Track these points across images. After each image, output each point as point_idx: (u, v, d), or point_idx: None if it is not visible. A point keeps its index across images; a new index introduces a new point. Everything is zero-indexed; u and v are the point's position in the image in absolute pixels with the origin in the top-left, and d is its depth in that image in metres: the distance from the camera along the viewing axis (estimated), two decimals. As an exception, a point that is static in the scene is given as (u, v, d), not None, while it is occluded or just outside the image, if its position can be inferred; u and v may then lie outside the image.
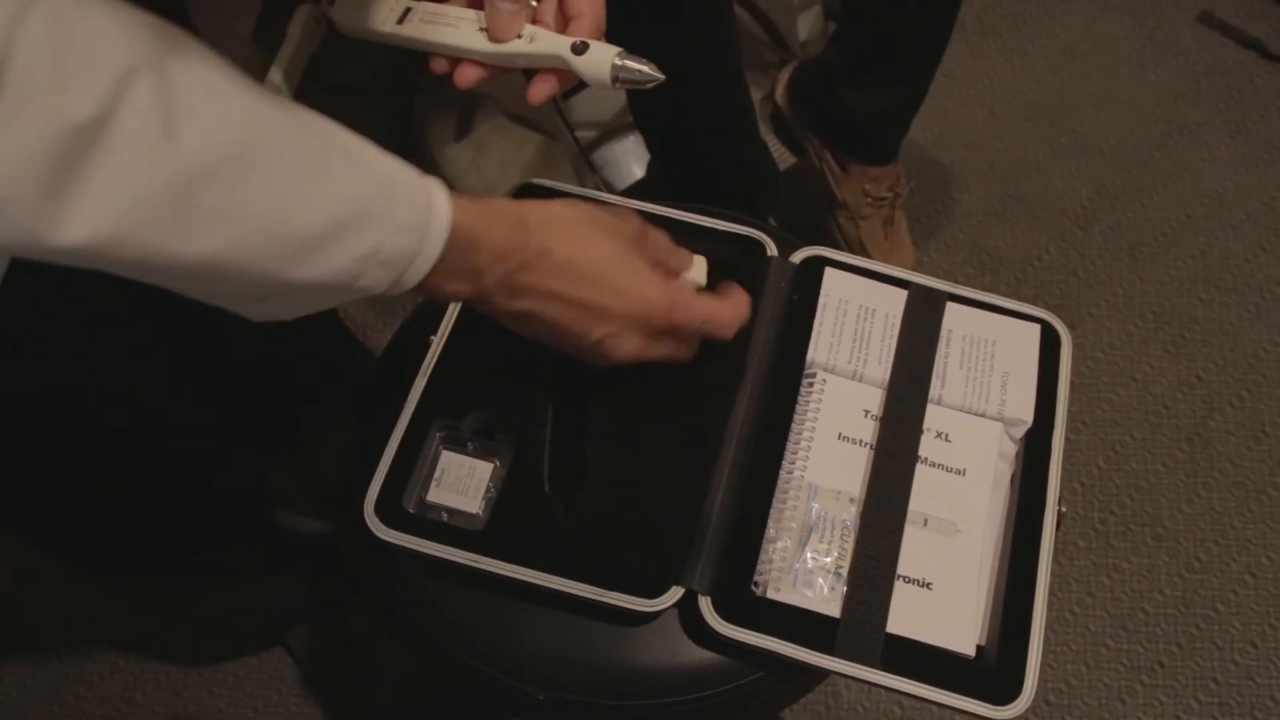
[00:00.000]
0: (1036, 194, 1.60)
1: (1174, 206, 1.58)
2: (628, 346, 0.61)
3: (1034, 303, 0.74)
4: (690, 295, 0.64)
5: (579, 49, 0.60)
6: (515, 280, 0.56)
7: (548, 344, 0.61)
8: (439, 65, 0.64)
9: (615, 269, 0.59)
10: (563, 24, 0.64)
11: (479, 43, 0.61)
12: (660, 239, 0.65)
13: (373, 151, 0.50)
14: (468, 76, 0.64)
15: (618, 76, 0.60)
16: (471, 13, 0.62)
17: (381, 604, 1.21)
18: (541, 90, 0.64)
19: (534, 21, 0.63)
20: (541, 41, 0.60)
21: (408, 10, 0.62)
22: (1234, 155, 1.62)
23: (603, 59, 0.60)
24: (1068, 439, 0.70)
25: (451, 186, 0.70)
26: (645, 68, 0.60)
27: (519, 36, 0.61)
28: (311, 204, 0.46)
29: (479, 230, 0.54)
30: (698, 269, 0.67)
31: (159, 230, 0.42)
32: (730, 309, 0.66)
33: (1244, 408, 1.41)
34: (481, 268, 0.55)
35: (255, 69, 1.66)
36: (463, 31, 0.61)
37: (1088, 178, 1.61)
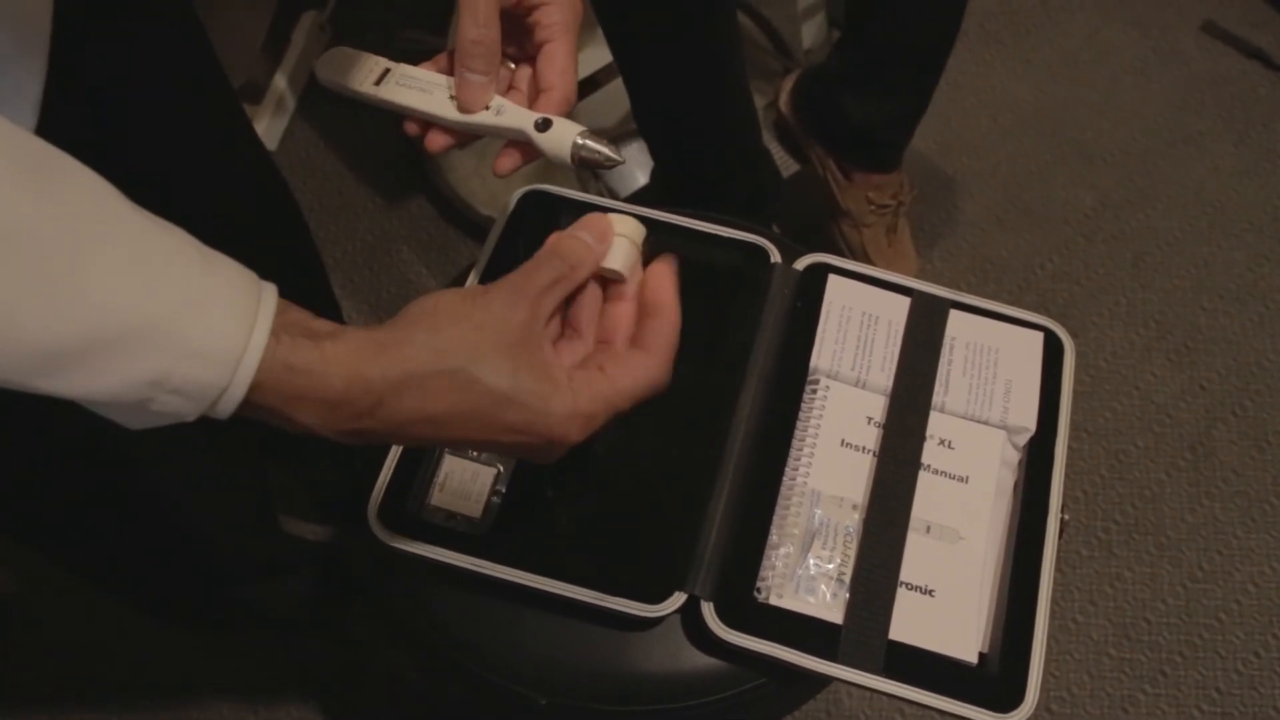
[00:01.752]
0: (1040, 202, 1.60)
1: (1177, 216, 1.58)
2: (553, 455, 0.51)
3: (1037, 311, 0.74)
4: (602, 392, 0.51)
5: (542, 126, 0.60)
6: (383, 422, 0.47)
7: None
8: (411, 128, 0.64)
9: (500, 408, 0.48)
10: (535, 94, 0.63)
11: (448, 111, 0.61)
12: (551, 283, 0.51)
13: (180, 256, 0.42)
14: (436, 143, 0.63)
15: (578, 155, 0.60)
16: (444, 79, 0.63)
17: (384, 609, 1.22)
18: (506, 164, 0.62)
19: (509, 88, 0.64)
20: (507, 115, 0.61)
21: (386, 71, 0.64)
22: (1237, 165, 1.63)
23: (564, 137, 0.60)
24: (1070, 447, 0.70)
25: (454, 195, 0.69)
26: (605, 149, 0.60)
27: (487, 108, 0.62)
28: (59, 314, 0.38)
29: (304, 389, 0.44)
30: (618, 251, 0.54)
31: None
32: (657, 365, 0.54)
33: (1247, 417, 1.41)
34: (314, 426, 0.46)
35: (261, 75, 1.67)
36: (435, 98, 0.62)
37: (1091, 186, 1.61)
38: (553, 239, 0.53)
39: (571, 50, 0.62)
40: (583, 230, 0.54)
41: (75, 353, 0.39)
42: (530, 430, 0.49)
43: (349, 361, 0.45)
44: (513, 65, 0.64)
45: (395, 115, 0.64)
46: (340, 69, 0.64)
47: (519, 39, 0.63)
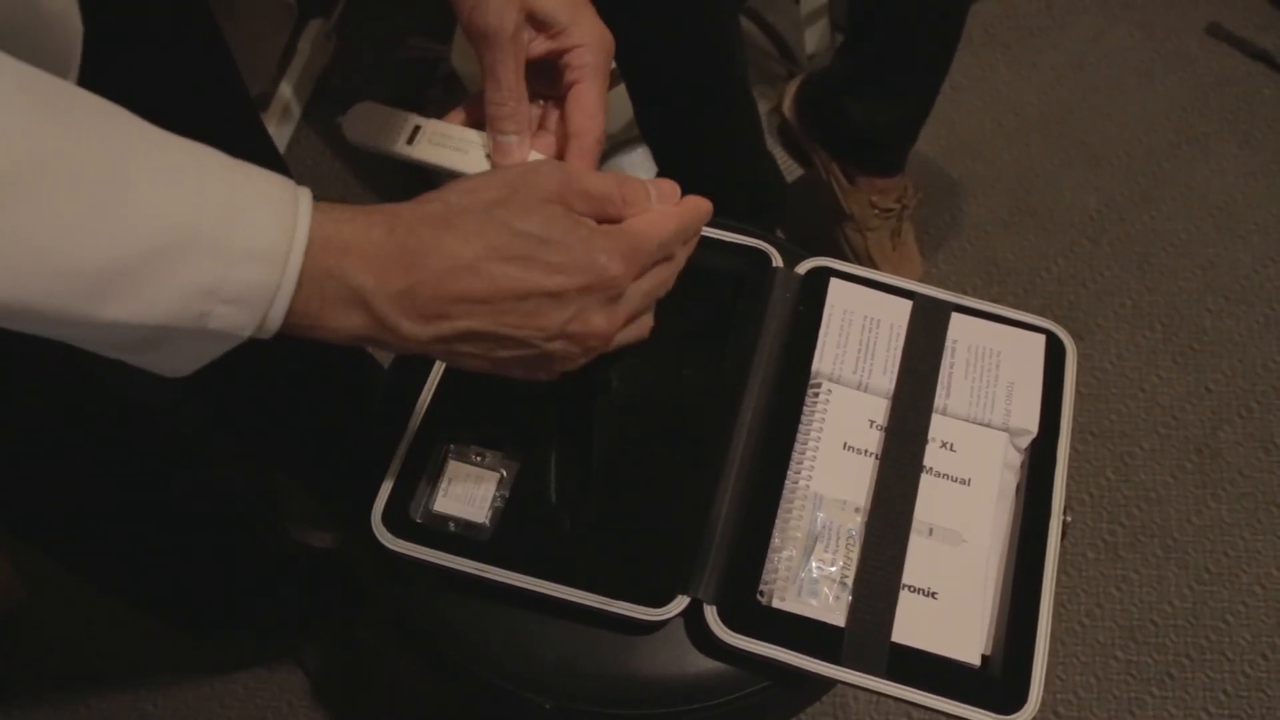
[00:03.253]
0: (1045, 205, 1.60)
1: (1183, 217, 1.58)
2: (600, 322, 0.50)
3: (1042, 314, 0.75)
4: (636, 228, 0.52)
5: None
6: (430, 278, 0.46)
7: (520, 374, 0.52)
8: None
9: (536, 248, 0.48)
10: (563, 135, 0.61)
11: (485, 167, 0.61)
12: (597, 193, 0.52)
13: (216, 164, 0.43)
14: None
15: None
16: (478, 136, 0.61)
17: (389, 614, 1.22)
18: None
19: (539, 127, 0.63)
20: None
21: (417, 128, 0.62)
22: (1243, 166, 1.62)
23: None
24: (1075, 450, 0.70)
25: None
26: None
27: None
28: (106, 230, 0.39)
29: (350, 241, 0.45)
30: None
31: None
32: (691, 211, 0.55)
33: (1253, 419, 1.41)
34: (365, 289, 0.45)
35: (268, 83, 1.68)
36: (470, 157, 0.61)
37: (1096, 189, 1.61)
38: (621, 176, 0.53)
39: (601, 93, 0.61)
40: (655, 186, 0.55)
41: (129, 270, 0.39)
42: (575, 267, 0.48)
43: (386, 214, 0.46)
44: (541, 103, 0.63)
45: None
46: (369, 128, 0.63)
47: (549, 78, 0.62)
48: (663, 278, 0.54)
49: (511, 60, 0.58)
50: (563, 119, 0.61)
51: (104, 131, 0.40)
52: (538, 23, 0.59)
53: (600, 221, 0.52)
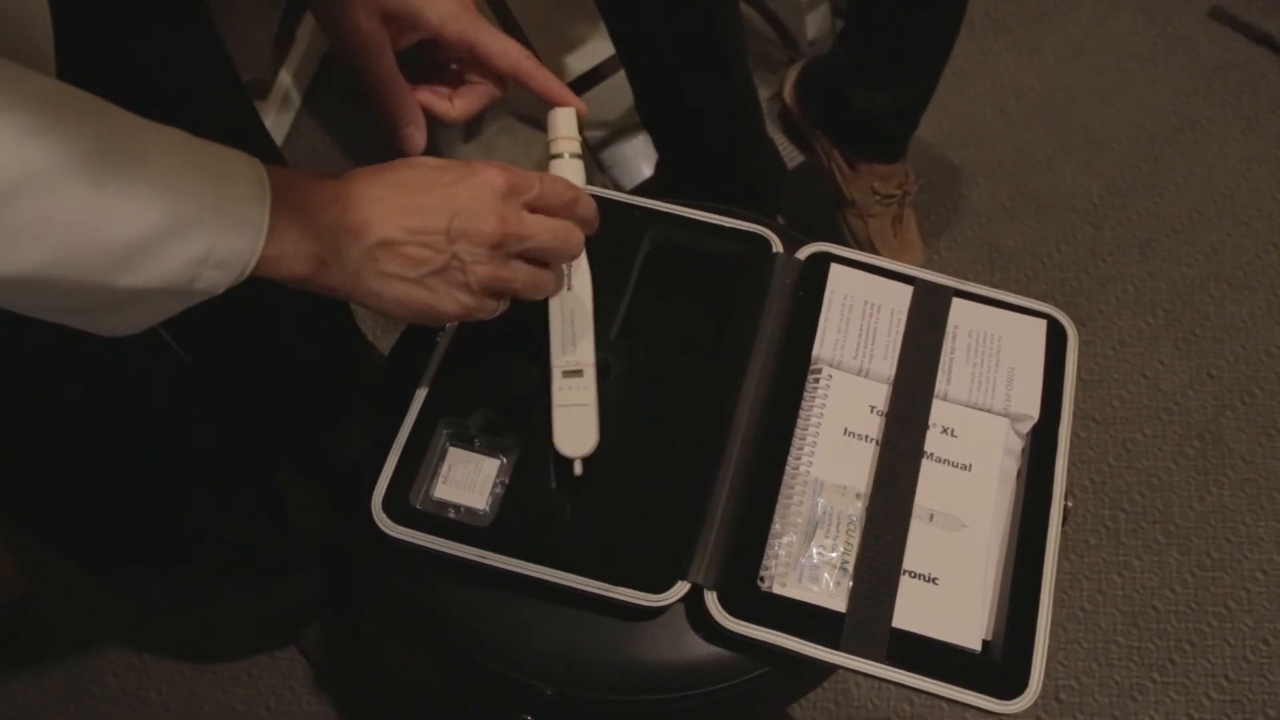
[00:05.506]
0: (1046, 191, 1.59)
1: (1185, 203, 1.57)
2: (491, 220, 0.57)
3: (1044, 300, 0.74)
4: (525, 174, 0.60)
5: None
6: (360, 205, 0.55)
7: (447, 299, 0.58)
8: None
9: (439, 170, 0.57)
10: (499, 78, 0.69)
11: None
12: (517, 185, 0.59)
13: (204, 151, 0.50)
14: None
15: None
16: None
17: (390, 601, 1.22)
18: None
19: (464, 84, 0.70)
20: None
21: None
22: (1245, 151, 1.62)
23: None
24: (1077, 435, 0.70)
25: None
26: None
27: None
28: (126, 214, 0.46)
29: (310, 214, 0.53)
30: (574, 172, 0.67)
31: None
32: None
33: (1255, 404, 1.41)
34: (317, 210, 0.54)
35: (267, 71, 1.67)
36: None
37: (1098, 174, 1.61)
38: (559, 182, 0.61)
39: (494, 35, 0.66)
40: (581, 205, 0.62)
41: (147, 245, 0.47)
42: (467, 178, 0.57)
43: (328, 175, 0.56)
44: (454, 68, 0.70)
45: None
46: None
47: (434, 59, 0.69)
48: (553, 232, 0.60)
49: (387, 61, 0.66)
50: (482, 70, 0.68)
51: (119, 127, 0.47)
52: (394, 15, 0.65)
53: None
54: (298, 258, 0.53)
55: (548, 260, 0.61)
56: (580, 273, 0.69)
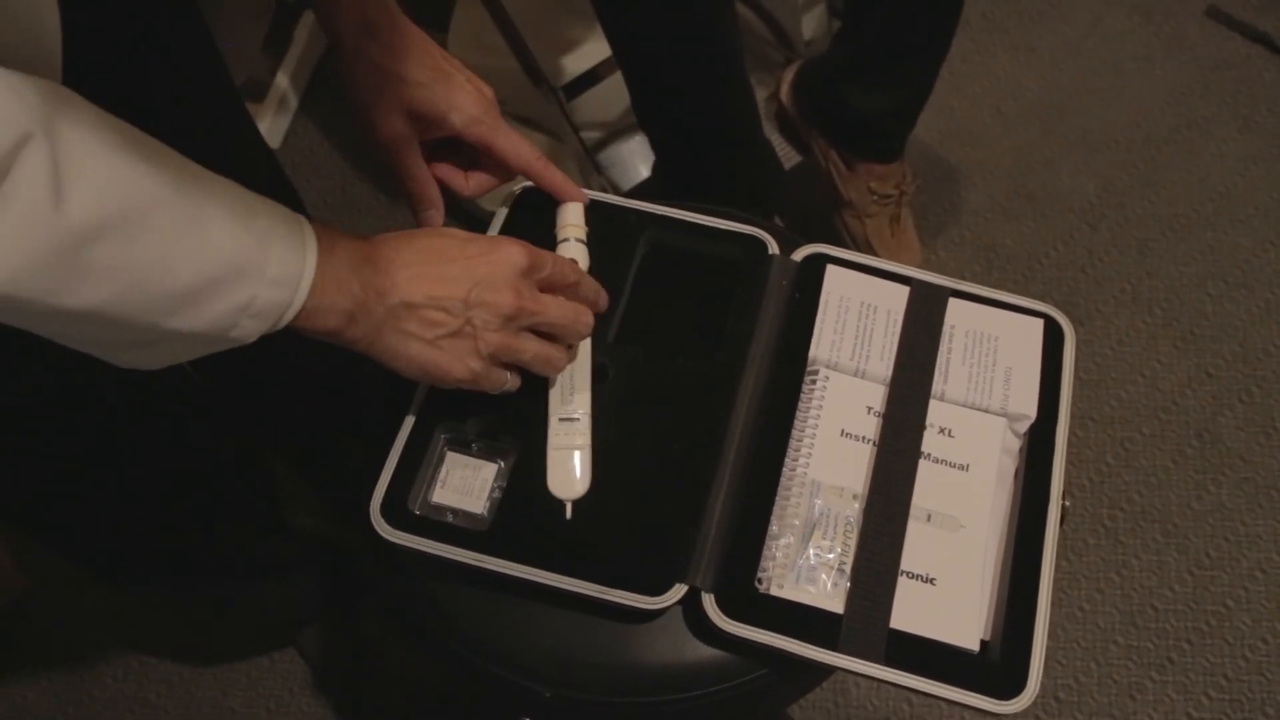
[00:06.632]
0: (1044, 191, 1.60)
1: (1182, 202, 1.58)
2: (508, 294, 0.61)
3: (1042, 299, 0.74)
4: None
5: None
6: (387, 266, 0.58)
7: (456, 364, 0.61)
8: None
9: (463, 243, 0.62)
10: (504, 167, 0.74)
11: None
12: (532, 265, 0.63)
13: (254, 204, 0.53)
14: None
15: None
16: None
17: (389, 604, 1.22)
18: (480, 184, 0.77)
19: (476, 169, 0.76)
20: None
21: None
22: (1243, 150, 1.62)
23: None
24: (1075, 435, 0.70)
25: None
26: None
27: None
28: (192, 259, 0.48)
29: (344, 274, 0.56)
30: (579, 254, 0.73)
31: (45, 287, 0.45)
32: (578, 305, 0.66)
33: (1253, 403, 1.41)
34: (350, 270, 0.57)
35: (263, 73, 1.67)
36: None
37: (1095, 174, 1.61)
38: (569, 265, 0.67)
39: (508, 135, 0.72)
40: (584, 286, 0.67)
41: (200, 291, 0.49)
42: (490, 253, 0.61)
43: (363, 237, 0.60)
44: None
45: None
46: None
47: (458, 145, 0.74)
48: (564, 310, 0.64)
49: (414, 155, 0.72)
50: (493, 162, 0.74)
51: (181, 176, 0.49)
52: (421, 116, 0.71)
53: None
54: (331, 312, 0.56)
55: (558, 337, 0.65)
56: None
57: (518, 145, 0.73)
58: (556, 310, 0.63)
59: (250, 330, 0.52)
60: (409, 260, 0.59)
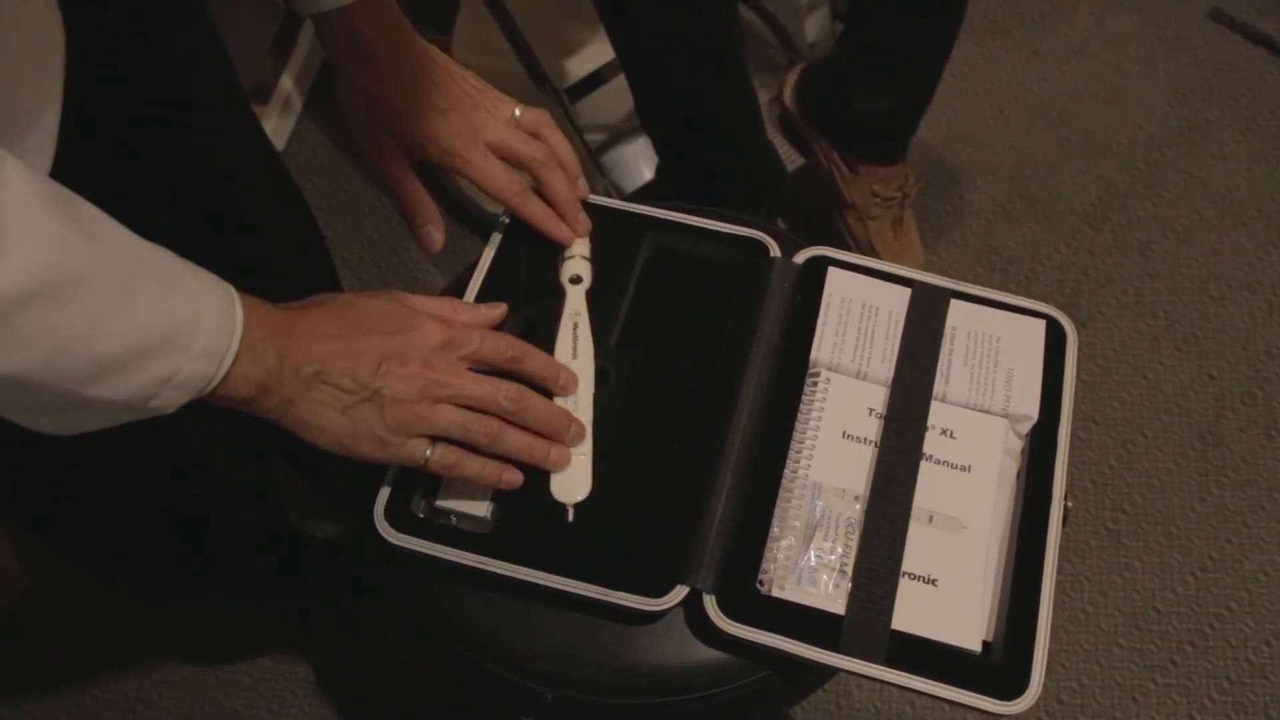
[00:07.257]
0: (1046, 193, 1.60)
1: (1185, 204, 1.58)
2: (407, 374, 0.60)
3: (1045, 301, 0.74)
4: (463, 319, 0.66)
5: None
6: (301, 338, 0.58)
7: (365, 439, 0.61)
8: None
9: (376, 304, 0.62)
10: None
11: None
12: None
13: (184, 276, 0.53)
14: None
15: None
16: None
17: (392, 605, 1.22)
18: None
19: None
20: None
21: None
22: (1245, 152, 1.62)
23: None
24: (1078, 437, 0.70)
25: (461, 193, 0.74)
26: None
27: None
28: (118, 330, 0.48)
29: (260, 345, 0.56)
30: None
31: None
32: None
33: (1256, 405, 1.41)
34: (266, 340, 0.57)
35: (269, 76, 1.68)
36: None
37: (1098, 176, 1.61)
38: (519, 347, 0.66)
39: (484, 162, 0.73)
40: (526, 363, 0.66)
41: (124, 361, 0.49)
42: (409, 330, 0.61)
43: (287, 307, 0.60)
44: None
45: None
46: None
47: None
48: (481, 387, 0.63)
49: (405, 175, 0.74)
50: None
51: (115, 245, 0.49)
52: (401, 143, 0.72)
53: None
54: (245, 382, 0.56)
55: (491, 412, 0.63)
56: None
57: (494, 178, 0.73)
58: (471, 385, 0.62)
59: (171, 400, 0.52)
60: (328, 331, 0.60)
